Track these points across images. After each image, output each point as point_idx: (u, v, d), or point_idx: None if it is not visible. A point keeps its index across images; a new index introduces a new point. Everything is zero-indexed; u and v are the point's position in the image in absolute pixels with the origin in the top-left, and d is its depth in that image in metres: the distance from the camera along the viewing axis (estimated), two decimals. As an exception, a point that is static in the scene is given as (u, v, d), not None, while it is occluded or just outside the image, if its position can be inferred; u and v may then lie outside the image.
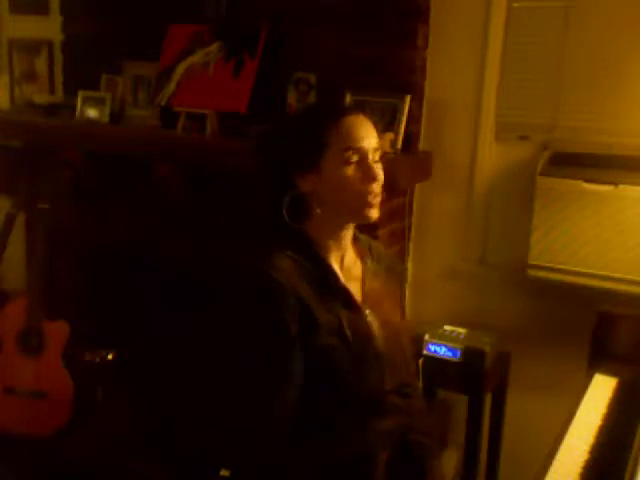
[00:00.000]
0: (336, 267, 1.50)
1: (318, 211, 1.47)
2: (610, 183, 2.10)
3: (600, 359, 1.90)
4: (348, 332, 1.42)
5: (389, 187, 2.23)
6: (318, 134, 1.44)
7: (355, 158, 1.43)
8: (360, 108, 1.53)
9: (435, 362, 2.22)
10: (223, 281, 2.54)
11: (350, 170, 1.43)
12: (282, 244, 1.48)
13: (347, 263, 1.53)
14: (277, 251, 1.46)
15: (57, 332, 2.73)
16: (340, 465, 1.41)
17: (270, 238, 1.54)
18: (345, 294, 1.48)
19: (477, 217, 2.48)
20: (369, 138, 1.46)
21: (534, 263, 2.23)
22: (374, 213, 1.47)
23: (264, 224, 1.54)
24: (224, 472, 2.09)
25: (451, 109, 2.45)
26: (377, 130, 1.50)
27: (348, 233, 1.52)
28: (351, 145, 1.43)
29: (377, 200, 1.46)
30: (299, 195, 1.48)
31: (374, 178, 1.44)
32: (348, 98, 2.39)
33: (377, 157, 1.47)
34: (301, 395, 1.39)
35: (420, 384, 1.69)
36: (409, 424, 1.54)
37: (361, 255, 1.58)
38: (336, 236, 1.50)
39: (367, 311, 1.49)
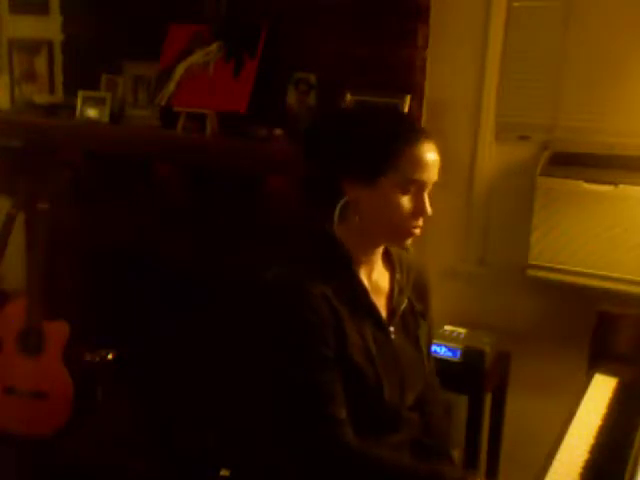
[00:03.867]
0: (365, 280, 1.46)
1: (356, 219, 1.42)
2: (610, 183, 2.10)
3: (600, 359, 1.90)
4: (373, 350, 1.41)
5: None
6: (390, 152, 1.36)
7: (413, 189, 1.38)
8: (429, 132, 1.43)
9: (435, 362, 2.21)
10: (224, 281, 2.56)
11: (404, 199, 1.38)
12: (314, 252, 1.44)
13: (375, 276, 1.49)
14: (308, 263, 1.42)
15: (57, 332, 2.73)
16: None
17: (301, 244, 1.49)
18: (373, 312, 1.45)
19: (477, 217, 2.48)
20: (434, 170, 1.39)
21: (534, 263, 2.23)
22: (409, 242, 1.43)
23: (297, 226, 1.50)
24: (224, 472, 2.09)
25: (451, 109, 2.45)
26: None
27: (380, 248, 1.49)
28: (416, 176, 1.36)
29: (418, 232, 1.42)
30: (346, 200, 1.41)
31: (424, 214, 1.40)
32: (348, 98, 2.39)
33: (430, 189, 1.41)
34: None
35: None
36: (428, 444, 1.53)
37: (390, 267, 1.53)
38: (370, 251, 1.46)
39: (392, 328, 1.47)
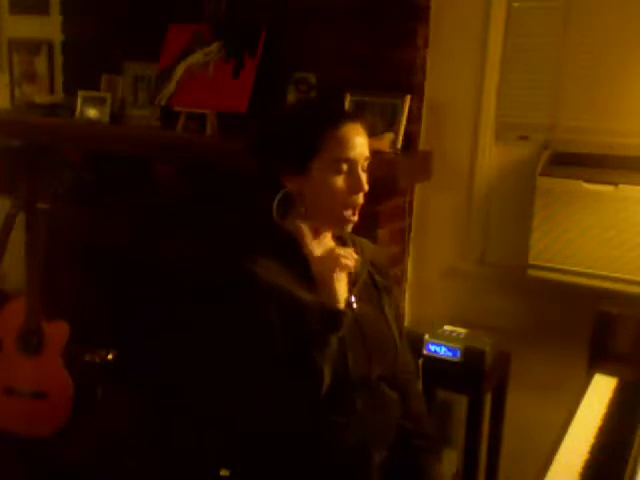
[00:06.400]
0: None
1: (302, 210, 1.49)
2: (610, 183, 2.10)
3: (600, 359, 1.90)
4: None
5: (389, 187, 2.25)
6: (311, 138, 1.44)
7: (345, 168, 1.44)
8: (357, 114, 1.51)
9: (435, 362, 2.21)
10: (225, 281, 2.56)
11: (339, 179, 1.44)
12: (267, 241, 1.50)
13: None
14: (261, 249, 1.48)
15: (57, 332, 2.73)
16: (334, 466, 1.41)
17: (256, 234, 1.55)
18: None
19: (477, 217, 2.48)
20: (362, 147, 1.45)
21: (534, 263, 2.23)
22: (350, 226, 1.49)
23: (252, 221, 1.55)
24: (224, 472, 2.08)
25: (451, 109, 2.45)
26: (376, 131, 1.50)
27: (328, 233, 1.54)
28: (344, 155, 1.43)
29: (356, 213, 1.47)
30: (286, 192, 1.49)
31: (361, 190, 1.45)
32: (348, 99, 2.39)
33: (365, 166, 1.47)
34: (290, 388, 1.39)
35: (420, 385, 1.69)
36: (408, 427, 1.53)
37: (343, 246, 1.57)
38: (317, 234, 1.51)
39: (352, 298, 1.49)
